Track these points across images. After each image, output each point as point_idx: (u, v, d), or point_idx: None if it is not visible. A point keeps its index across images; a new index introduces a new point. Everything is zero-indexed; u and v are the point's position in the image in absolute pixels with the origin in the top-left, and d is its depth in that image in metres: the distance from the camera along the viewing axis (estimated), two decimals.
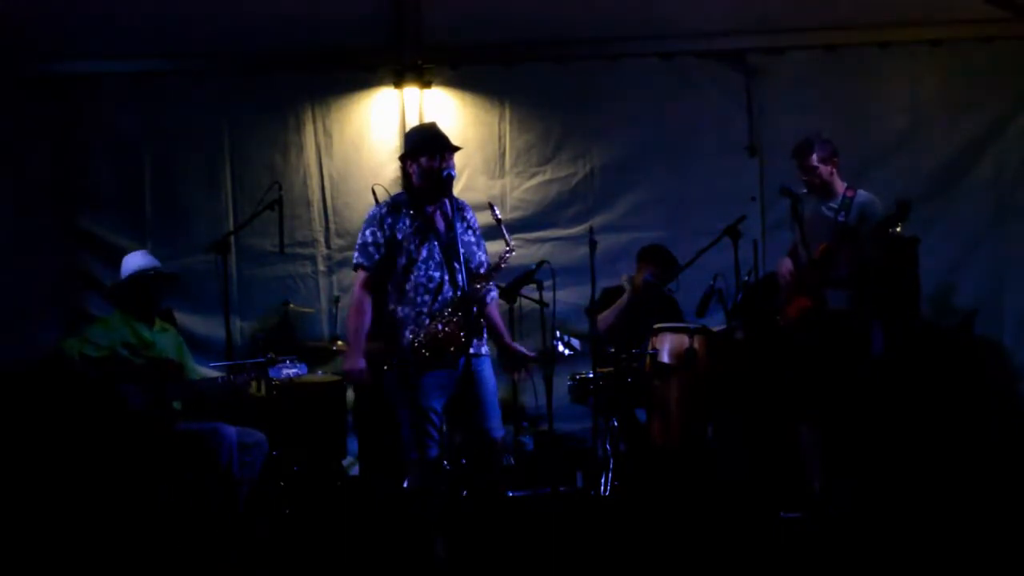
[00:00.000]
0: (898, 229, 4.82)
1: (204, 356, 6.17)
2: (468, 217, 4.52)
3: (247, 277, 6.63)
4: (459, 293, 4.28)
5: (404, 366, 4.27)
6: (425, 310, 4.28)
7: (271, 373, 5.23)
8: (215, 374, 5.48)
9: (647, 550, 4.77)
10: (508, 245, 4.42)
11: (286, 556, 4.84)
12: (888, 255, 5.16)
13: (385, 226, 4.37)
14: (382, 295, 4.39)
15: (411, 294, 4.31)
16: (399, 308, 4.34)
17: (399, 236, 4.33)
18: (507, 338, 4.63)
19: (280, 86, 6.73)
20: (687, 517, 5.08)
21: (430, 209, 4.38)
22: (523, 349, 4.62)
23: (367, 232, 4.40)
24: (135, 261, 5.33)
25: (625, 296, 6.05)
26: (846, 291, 5.09)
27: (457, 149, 4.42)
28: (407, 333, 4.29)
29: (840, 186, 5.22)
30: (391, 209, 4.41)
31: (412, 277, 4.31)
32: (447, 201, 4.40)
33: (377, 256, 4.36)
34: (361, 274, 4.41)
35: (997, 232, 6.54)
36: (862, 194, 5.18)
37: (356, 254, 4.43)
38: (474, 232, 4.52)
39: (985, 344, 6.46)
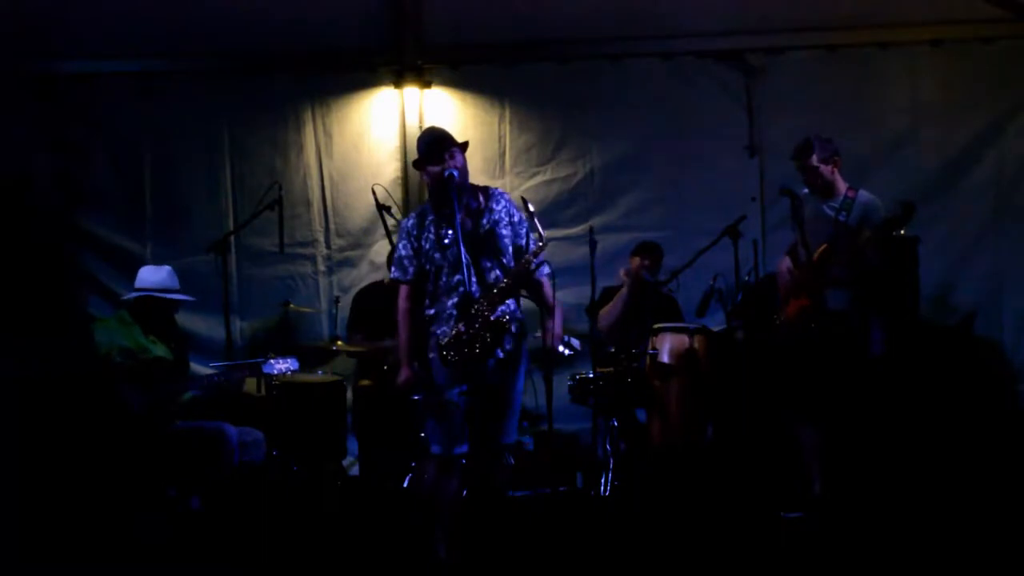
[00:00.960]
0: (902, 231, 4.83)
1: (204, 356, 6.18)
2: (498, 208, 4.46)
3: (247, 277, 6.63)
4: (486, 291, 4.27)
5: (437, 363, 4.28)
6: (455, 312, 4.29)
7: (264, 370, 5.23)
8: (208, 373, 5.50)
9: (647, 550, 4.77)
10: (541, 237, 4.39)
11: (286, 556, 4.84)
12: (888, 255, 5.15)
13: (412, 237, 4.40)
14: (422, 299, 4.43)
15: (441, 296, 4.34)
16: (430, 309, 4.37)
17: (426, 245, 4.36)
18: (550, 320, 4.58)
19: (280, 86, 6.73)
20: (687, 517, 5.08)
21: (450, 211, 4.33)
22: (555, 341, 4.59)
23: (400, 246, 4.45)
24: (154, 277, 5.37)
25: (624, 289, 6.04)
26: (846, 291, 5.08)
27: (454, 147, 4.38)
28: (437, 331, 4.31)
29: (842, 186, 5.21)
30: (417, 219, 4.44)
31: (441, 281, 4.33)
32: (479, 194, 4.42)
33: (412, 268, 4.40)
34: (402, 288, 4.45)
35: (997, 232, 6.53)
36: (863, 194, 5.18)
37: (392, 269, 4.50)
38: (509, 222, 4.46)
39: (985, 344, 6.46)
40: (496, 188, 4.56)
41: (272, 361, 5.25)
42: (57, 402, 5.08)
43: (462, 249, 4.21)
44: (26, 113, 6.52)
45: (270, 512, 5.28)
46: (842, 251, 5.05)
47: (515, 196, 6.63)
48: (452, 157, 4.34)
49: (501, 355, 4.31)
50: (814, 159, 5.16)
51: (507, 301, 4.32)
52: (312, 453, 5.95)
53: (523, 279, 4.38)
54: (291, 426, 5.79)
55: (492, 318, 4.22)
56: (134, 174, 6.68)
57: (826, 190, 5.19)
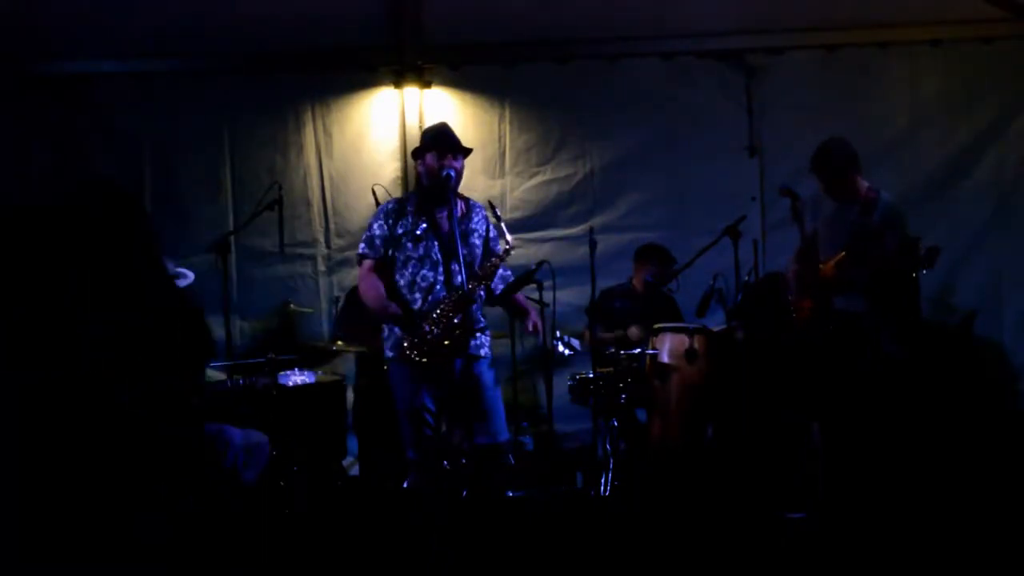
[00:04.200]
0: (924, 272, 4.84)
1: None
2: (476, 219, 4.48)
3: (247, 277, 6.62)
4: (453, 296, 4.25)
5: (399, 363, 4.28)
6: (415, 308, 4.27)
7: (280, 380, 5.24)
8: (218, 375, 5.48)
9: (647, 550, 4.77)
10: (508, 243, 4.39)
11: (286, 556, 4.84)
12: (911, 261, 5.11)
13: (388, 222, 4.39)
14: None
15: (404, 291, 4.32)
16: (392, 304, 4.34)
17: (399, 231, 4.35)
18: (528, 319, 4.62)
19: (280, 86, 6.73)
20: (687, 517, 5.08)
21: (436, 209, 4.34)
22: (541, 336, 4.64)
23: (374, 225, 4.43)
24: None
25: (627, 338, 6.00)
26: (861, 296, 5.06)
27: (460, 150, 4.39)
28: (396, 330, 4.29)
29: (862, 186, 5.17)
30: (397, 205, 4.44)
31: (406, 274, 4.31)
32: (460, 202, 4.41)
33: (383, 248, 4.38)
34: (367, 262, 4.43)
35: (997, 232, 6.54)
36: (885, 196, 5.15)
37: (362, 245, 4.46)
38: (483, 234, 4.46)
39: (985, 344, 6.46)
40: (476, 202, 4.58)
41: (289, 372, 5.26)
42: (58, 401, 5.06)
43: (458, 247, 4.21)
44: (26, 113, 6.52)
45: (270, 512, 5.28)
46: (863, 255, 5.02)
47: (516, 196, 6.73)
48: (454, 159, 4.34)
49: (471, 352, 4.28)
50: (850, 171, 5.11)
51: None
52: (312, 453, 5.94)
53: (523, 282, 4.38)
54: (291, 426, 5.79)
55: (456, 320, 4.20)
56: (134, 174, 6.67)
57: (852, 195, 5.15)
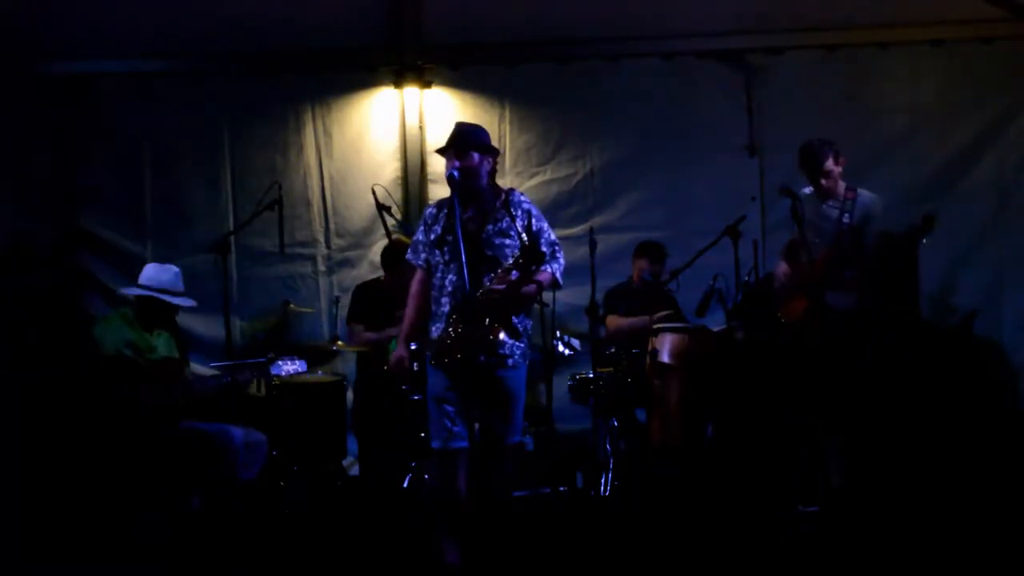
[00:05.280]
0: (924, 241, 4.86)
1: (204, 356, 6.18)
2: (518, 212, 4.34)
3: (247, 277, 6.63)
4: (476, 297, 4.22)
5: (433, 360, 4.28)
6: (446, 311, 4.27)
7: (272, 371, 5.23)
8: (214, 373, 5.49)
9: (647, 550, 4.77)
10: (525, 241, 4.32)
11: (286, 556, 4.84)
12: (897, 257, 5.16)
13: (427, 227, 4.41)
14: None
15: (437, 294, 4.32)
16: (433, 307, 4.37)
17: (431, 237, 4.36)
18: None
19: (280, 86, 6.73)
20: (687, 517, 5.08)
21: (464, 211, 4.28)
22: (498, 283, 4.25)
23: (419, 231, 4.47)
24: (161, 277, 5.34)
25: (646, 322, 5.98)
26: (852, 292, 5.09)
27: (469, 146, 4.32)
28: (433, 331, 4.31)
29: (841, 186, 5.23)
30: (436, 210, 4.43)
31: (439, 279, 4.32)
32: (498, 197, 4.35)
33: (423, 255, 4.40)
34: (418, 271, 4.48)
35: (997, 232, 6.54)
36: (863, 194, 5.20)
37: (409, 251, 4.53)
38: (514, 232, 4.35)
39: (985, 344, 6.47)
40: (519, 194, 4.43)
41: (280, 362, 5.26)
42: (61, 401, 5.08)
43: (461, 250, 4.17)
44: (26, 113, 6.53)
45: (270, 512, 5.28)
46: (848, 253, 5.05)
47: None
48: (466, 157, 4.29)
49: (501, 352, 4.26)
50: (829, 163, 5.16)
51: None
52: (312, 453, 5.95)
53: (523, 281, 4.29)
54: (291, 426, 5.80)
55: (487, 322, 4.18)
56: (134, 174, 6.68)
57: (831, 192, 5.21)
